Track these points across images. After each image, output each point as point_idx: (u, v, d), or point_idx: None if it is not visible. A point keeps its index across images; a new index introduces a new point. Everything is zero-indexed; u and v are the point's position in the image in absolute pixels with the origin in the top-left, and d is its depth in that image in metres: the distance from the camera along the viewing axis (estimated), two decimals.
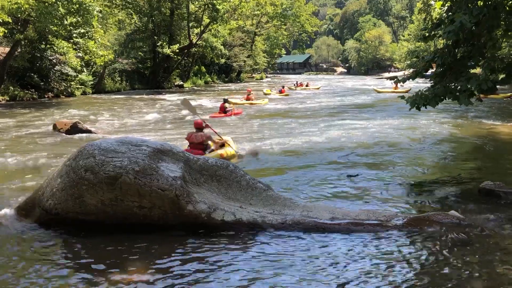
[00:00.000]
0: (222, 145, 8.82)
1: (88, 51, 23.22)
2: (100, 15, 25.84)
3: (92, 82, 29.37)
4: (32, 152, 9.28)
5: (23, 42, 23.21)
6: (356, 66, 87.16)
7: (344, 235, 4.49)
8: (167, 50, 34.05)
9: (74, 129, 11.93)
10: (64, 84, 26.56)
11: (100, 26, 25.77)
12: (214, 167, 5.09)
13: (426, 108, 6.60)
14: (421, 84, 16.46)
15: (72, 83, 27.11)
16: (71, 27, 21.32)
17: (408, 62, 51.61)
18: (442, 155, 9.26)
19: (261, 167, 8.15)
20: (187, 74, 42.67)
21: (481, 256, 3.96)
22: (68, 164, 4.69)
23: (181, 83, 39.59)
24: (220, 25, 37.08)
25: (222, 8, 34.73)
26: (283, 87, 30.92)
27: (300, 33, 67.76)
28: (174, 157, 4.85)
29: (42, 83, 24.92)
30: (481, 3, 6.15)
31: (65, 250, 4.31)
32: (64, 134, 11.83)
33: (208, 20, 36.28)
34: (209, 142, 8.38)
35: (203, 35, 37.32)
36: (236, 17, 44.39)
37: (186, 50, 37.64)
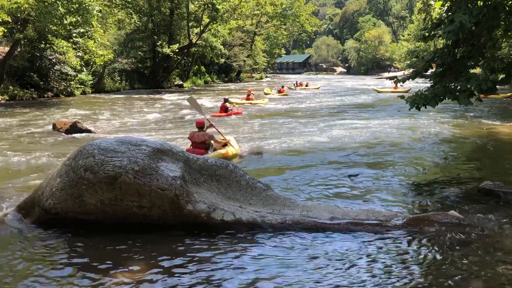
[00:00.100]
0: (224, 145, 8.82)
1: (87, 50, 23.25)
2: (100, 14, 25.82)
3: (91, 82, 29.37)
4: (32, 152, 9.26)
5: (22, 42, 23.20)
6: (356, 66, 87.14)
7: (344, 235, 4.48)
8: (166, 50, 34.06)
9: (74, 128, 11.92)
10: (64, 83, 26.56)
11: (99, 26, 25.73)
12: (214, 166, 5.08)
13: (426, 108, 6.61)
14: (421, 84, 16.50)
15: (72, 82, 27.10)
16: (70, 27, 21.34)
17: (408, 62, 51.64)
18: (442, 155, 9.26)
19: (261, 167, 8.16)
20: (187, 74, 42.69)
21: (481, 256, 3.95)
22: (68, 163, 4.68)
23: (181, 82, 39.63)
24: (219, 24, 37.08)
25: (222, 7, 34.72)
26: (282, 87, 30.93)
27: (299, 33, 67.67)
28: (173, 157, 4.85)
29: (42, 82, 24.92)
30: (481, 3, 6.15)
31: (65, 250, 4.31)
32: (63, 134, 11.83)
33: (208, 20, 36.28)
34: (211, 142, 8.38)
35: (203, 34, 37.32)
36: (235, 17, 44.35)
37: (185, 50, 37.64)
